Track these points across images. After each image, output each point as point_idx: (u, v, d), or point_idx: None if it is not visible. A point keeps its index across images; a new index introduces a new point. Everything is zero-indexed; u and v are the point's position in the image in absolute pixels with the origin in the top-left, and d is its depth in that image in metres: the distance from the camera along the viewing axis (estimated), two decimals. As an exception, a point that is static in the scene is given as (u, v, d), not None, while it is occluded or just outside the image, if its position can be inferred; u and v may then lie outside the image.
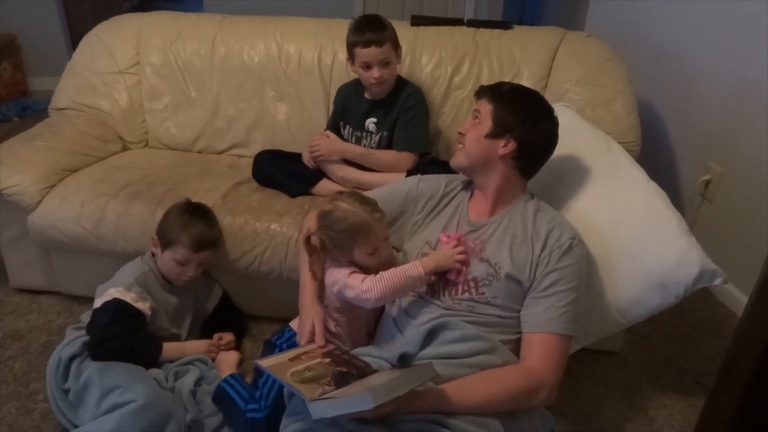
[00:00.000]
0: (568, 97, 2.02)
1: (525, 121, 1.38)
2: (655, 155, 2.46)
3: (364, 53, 1.81)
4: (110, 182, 1.91)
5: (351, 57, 1.87)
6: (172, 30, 2.26)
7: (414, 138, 1.92)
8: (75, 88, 2.22)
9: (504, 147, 1.38)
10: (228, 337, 1.75)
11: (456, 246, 1.36)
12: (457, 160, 1.45)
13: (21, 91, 3.87)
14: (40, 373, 1.69)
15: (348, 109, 1.99)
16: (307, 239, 1.42)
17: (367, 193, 1.57)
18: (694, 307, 2.05)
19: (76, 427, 1.47)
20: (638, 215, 1.48)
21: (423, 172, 1.67)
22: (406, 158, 1.90)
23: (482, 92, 1.44)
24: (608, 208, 1.53)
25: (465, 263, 1.36)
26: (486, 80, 2.11)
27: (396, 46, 1.87)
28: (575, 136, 1.72)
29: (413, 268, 1.32)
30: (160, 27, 2.28)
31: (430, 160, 1.98)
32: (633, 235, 1.46)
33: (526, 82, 2.09)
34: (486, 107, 1.41)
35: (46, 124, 2.13)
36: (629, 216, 1.49)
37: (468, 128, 1.44)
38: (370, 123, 1.94)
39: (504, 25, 2.20)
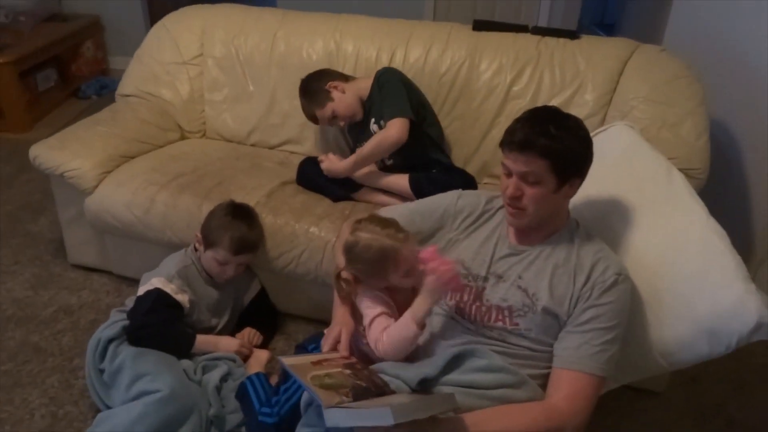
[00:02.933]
0: (633, 115, 1.90)
1: (583, 155, 1.28)
2: (726, 184, 2.28)
3: None
4: (163, 171, 1.97)
5: None
6: (236, 23, 2.30)
7: (392, 105, 1.86)
8: (140, 76, 2.30)
9: (570, 189, 1.29)
10: (258, 338, 1.78)
11: (433, 267, 1.23)
12: (522, 223, 1.32)
13: (101, 70, 4.07)
14: (84, 350, 1.77)
15: (354, 129, 2.04)
16: (338, 276, 1.40)
17: (406, 206, 1.55)
18: (754, 350, 1.89)
19: (107, 407, 1.54)
20: (692, 253, 1.37)
21: (429, 180, 1.78)
22: (391, 125, 1.82)
23: (522, 146, 1.23)
24: (660, 242, 1.42)
25: (448, 279, 1.23)
26: (546, 91, 2.03)
27: (323, 103, 1.95)
28: (634, 159, 1.62)
29: (405, 328, 1.26)
30: (225, 20, 2.32)
31: (446, 167, 1.96)
32: (684, 274, 1.36)
33: (589, 96, 1.99)
34: (538, 164, 1.22)
35: (110, 109, 2.22)
36: (682, 253, 1.38)
37: (522, 190, 1.26)
38: (373, 125, 1.94)
39: (571, 34, 2.09)
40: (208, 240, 1.69)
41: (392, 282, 1.33)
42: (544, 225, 1.34)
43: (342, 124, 1.99)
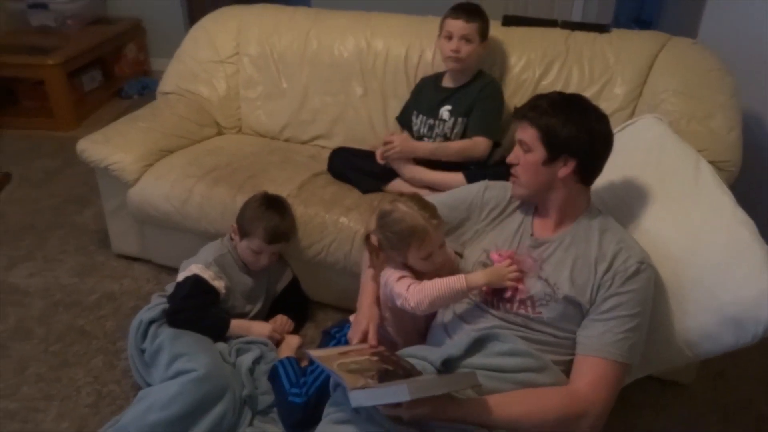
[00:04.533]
0: (663, 108, 1.90)
1: (578, 134, 1.29)
2: (763, 179, 2.24)
3: (451, 23, 1.90)
4: (200, 165, 2.05)
5: (440, 30, 1.95)
6: (270, 23, 2.37)
7: (488, 123, 1.93)
8: (179, 74, 2.40)
9: (564, 168, 1.31)
10: (290, 325, 1.84)
11: (510, 264, 1.34)
12: (518, 192, 1.41)
13: (143, 71, 4.21)
14: (126, 334, 1.86)
15: (423, 97, 2.04)
16: (367, 237, 1.46)
17: (433, 197, 1.58)
18: (786, 346, 1.87)
19: (147, 384, 1.63)
20: (717, 243, 1.37)
21: (486, 177, 1.68)
22: (481, 143, 1.91)
23: (520, 116, 1.34)
24: (685, 232, 1.43)
25: (519, 281, 1.33)
26: (575, 85, 2.03)
27: (483, 35, 1.92)
28: (662, 152, 1.62)
29: (456, 282, 1.31)
30: (260, 19, 2.40)
31: (498, 160, 1.97)
32: (709, 264, 1.36)
33: (618, 90, 1.99)
34: (530, 132, 1.32)
35: (151, 106, 2.32)
36: (707, 243, 1.38)
37: (518, 158, 1.36)
38: (444, 111, 1.97)
39: (601, 28, 2.09)
40: (243, 230, 1.76)
41: (410, 260, 1.37)
42: (549, 205, 1.37)
43: (454, 47, 1.88)
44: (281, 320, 1.82)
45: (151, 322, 1.68)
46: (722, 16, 2.71)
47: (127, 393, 1.69)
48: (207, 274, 1.72)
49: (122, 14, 4.14)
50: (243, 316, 1.80)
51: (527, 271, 1.34)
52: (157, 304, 1.73)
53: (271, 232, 1.75)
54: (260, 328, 1.75)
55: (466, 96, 1.95)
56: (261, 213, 1.76)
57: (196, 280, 1.71)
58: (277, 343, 1.78)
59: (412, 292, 1.33)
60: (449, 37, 1.89)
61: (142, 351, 1.66)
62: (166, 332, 1.63)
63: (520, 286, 1.33)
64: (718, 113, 1.84)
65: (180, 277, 1.75)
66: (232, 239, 1.82)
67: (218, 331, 1.69)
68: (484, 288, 1.35)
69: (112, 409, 1.64)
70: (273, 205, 1.80)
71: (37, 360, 1.80)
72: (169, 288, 1.79)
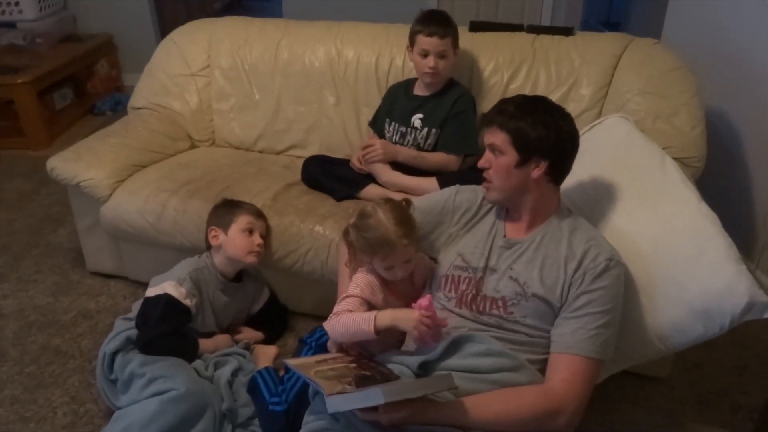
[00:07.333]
0: (629, 107, 1.94)
1: (547, 135, 1.32)
2: (728, 173, 2.30)
3: (425, 41, 1.89)
4: (174, 179, 2.04)
5: (411, 44, 1.95)
6: (241, 35, 2.38)
7: (464, 142, 1.96)
8: (150, 89, 2.39)
9: (537, 169, 1.34)
10: (254, 335, 1.84)
11: (425, 316, 1.27)
12: (492, 197, 1.42)
13: (115, 87, 4.18)
14: (104, 351, 1.85)
15: (395, 105, 2.05)
16: (346, 230, 1.45)
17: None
18: (758, 336, 1.91)
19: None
20: (684, 238, 1.40)
21: (461, 181, 1.69)
22: (453, 161, 1.97)
23: (488, 121, 1.36)
24: (652, 228, 1.46)
25: (423, 338, 1.28)
26: (543, 88, 2.07)
27: (455, 45, 1.93)
28: (629, 150, 1.66)
29: (365, 321, 1.28)
30: (230, 32, 2.40)
31: (470, 166, 1.98)
32: (676, 258, 1.39)
33: (585, 91, 2.03)
34: (500, 136, 1.34)
35: (122, 122, 2.31)
36: (674, 238, 1.42)
37: (490, 162, 1.37)
38: (416, 119, 1.99)
39: (566, 31, 2.13)
40: (225, 221, 1.74)
41: (374, 265, 1.39)
42: (521, 208, 1.39)
43: (432, 65, 1.89)
44: (248, 334, 1.82)
45: (115, 353, 1.60)
46: (683, 17, 2.78)
47: (104, 412, 1.66)
48: (179, 292, 1.65)
49: (93, 31, 4.12)
50: (211, 335, 1.75)
51: (438, 330, 1.31)
52: (120, 331, 1.65)
53: (253, 207, 1.80)
54: (223, 341, 1.74)
55: (439, 107, 1.96)
56: (231, 203, 1.81)
57: (168, 300, 1.63)
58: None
59: (329, 322, 1.34)
60: (424, 55, 1.90)
61: (113, 381, 1.60)
62: (136, 359, 1.56)
63: (430, 344, 1.30)
64: (682, 111, 1.88)
65: (150, 292, 1.68)
66: (209, 250, 1.79)
67: (191, 353, 1.65)
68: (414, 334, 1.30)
69: (90, 429, 1.62)
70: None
71: (12, 382, 1.78)
72: (135, 308, 1.72)
